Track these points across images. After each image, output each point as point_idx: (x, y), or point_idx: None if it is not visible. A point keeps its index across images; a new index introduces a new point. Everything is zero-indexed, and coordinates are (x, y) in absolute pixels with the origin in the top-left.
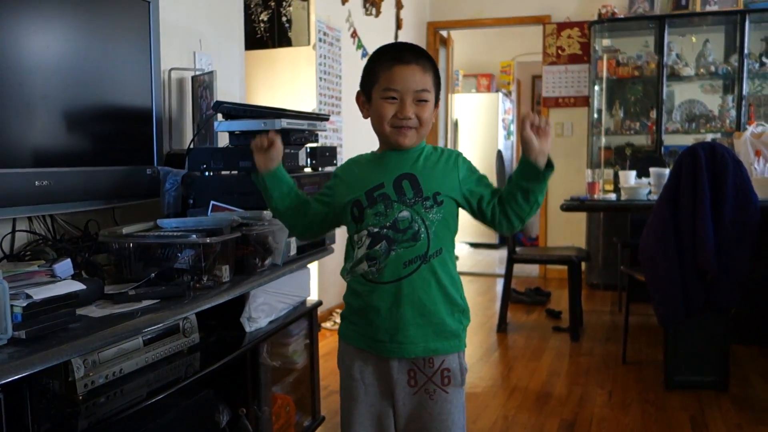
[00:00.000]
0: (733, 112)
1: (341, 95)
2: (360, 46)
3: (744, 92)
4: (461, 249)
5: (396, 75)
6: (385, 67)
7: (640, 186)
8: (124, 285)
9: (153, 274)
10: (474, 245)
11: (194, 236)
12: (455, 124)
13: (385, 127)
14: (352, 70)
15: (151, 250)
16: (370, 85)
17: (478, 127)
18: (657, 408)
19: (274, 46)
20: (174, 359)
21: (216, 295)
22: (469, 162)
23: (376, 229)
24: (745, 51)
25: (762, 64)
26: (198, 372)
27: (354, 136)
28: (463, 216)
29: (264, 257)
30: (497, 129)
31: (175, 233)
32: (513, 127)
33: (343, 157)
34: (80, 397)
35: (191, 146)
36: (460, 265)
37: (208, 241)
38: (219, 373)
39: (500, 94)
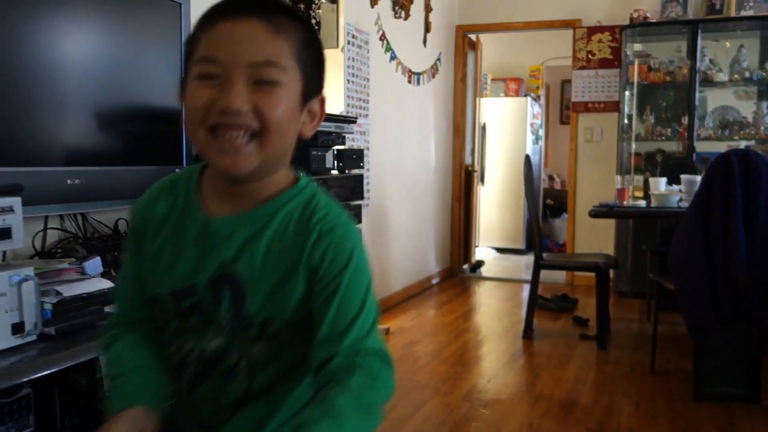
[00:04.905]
0: None
1: (369, 98)
2: (389, 48)
3: None
4: (487, 253)
5: (220, 35)
6: (209, 25)
7: (670, 193)
8: None
9: None
10: (500, 250)
11: None
12: (483, 129)
13: (198, 132)
14: (381, 73)
15: None
16: (189, 60)
17: (506, 132)
18: (685, 419)
19: None
20: None
21: None
22: (355, 263)
23: (178, 351)
24: None
25: None
26: None
27: (382, 139)
28: (490, 218)
29: None
30: (525, 133)
31: None
32: (541, 132)
33: (370, 160)
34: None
35: None
36: (487, 270)
37: None
38: None
39: (529, 99)
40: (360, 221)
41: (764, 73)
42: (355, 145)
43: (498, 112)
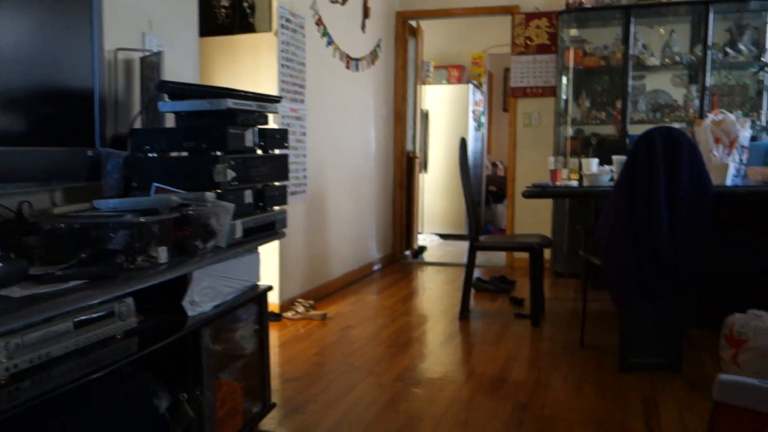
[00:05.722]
0: (697, 102)
1: (305, 83)
2: (325, 33)
3: (708, 82)
4: (431, 240)
5: None
6: None
7: (601, 173)
8: (53, 267)
9: (83, 255)
10: (444, 236)
11: (128, 216)
12: (425, 116)
13: None
14: (317, 58)
15: (83, 232)
16: None
17: (448, 119)
18: (610, 390)
19: (235, 33)
20: (109, 343)
21: (151, 276)
22: None
23: None
24: (709, 42)
25: (725, 54)
26: (132, 354)
27: (320, 125)
28: (434, 205)
29: (206, 239)
30: (467, 120)
31: (109, 214)
32: (484, 119)
33: (307, 146)
34: (2, 381)
35: (133, 127)
36: (430, 256)
37: (141, 220)
38: (159, 357)
39: (471, 86)
40: (285, 203)
41: (693, 58)
42: (291, 130)
43: (440, 99)
